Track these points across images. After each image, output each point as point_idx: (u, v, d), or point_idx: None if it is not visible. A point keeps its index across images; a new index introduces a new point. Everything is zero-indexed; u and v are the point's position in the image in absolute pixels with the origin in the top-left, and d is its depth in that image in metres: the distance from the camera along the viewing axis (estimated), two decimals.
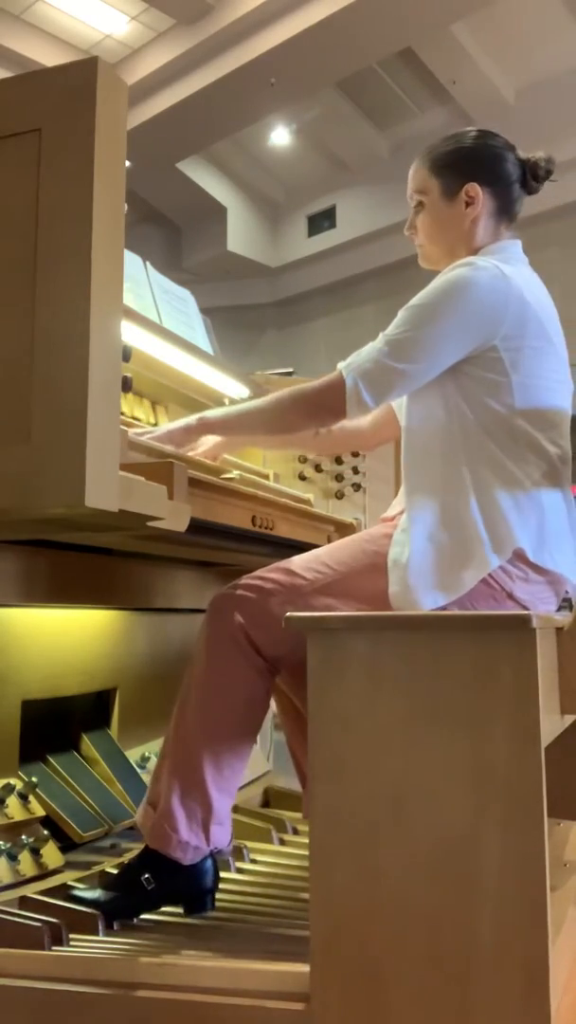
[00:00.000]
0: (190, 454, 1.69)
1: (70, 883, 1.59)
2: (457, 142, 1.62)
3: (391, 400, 1.55)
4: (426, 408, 1.52)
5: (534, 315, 1.48)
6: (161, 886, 1.48)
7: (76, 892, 1.55)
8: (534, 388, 1.48)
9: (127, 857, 1.74)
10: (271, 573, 1.49)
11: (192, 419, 1.64)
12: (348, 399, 1.48)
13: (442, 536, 1.45)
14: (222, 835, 1.48)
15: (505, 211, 1.62)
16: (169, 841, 1.45)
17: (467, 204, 1.59)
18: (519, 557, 1.43)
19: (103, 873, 1.66)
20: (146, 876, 1.48)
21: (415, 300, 1.50)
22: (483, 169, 1.59)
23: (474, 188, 1.58)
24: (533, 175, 1.63)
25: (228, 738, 1.46)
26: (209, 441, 1.74)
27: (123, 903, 1.51)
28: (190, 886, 1.49)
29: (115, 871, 1.63)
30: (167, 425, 1.65)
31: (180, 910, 1.54)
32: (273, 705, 1.83)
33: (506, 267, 1.50)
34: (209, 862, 1.51)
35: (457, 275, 1.48)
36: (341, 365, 1.51)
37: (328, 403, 1.50)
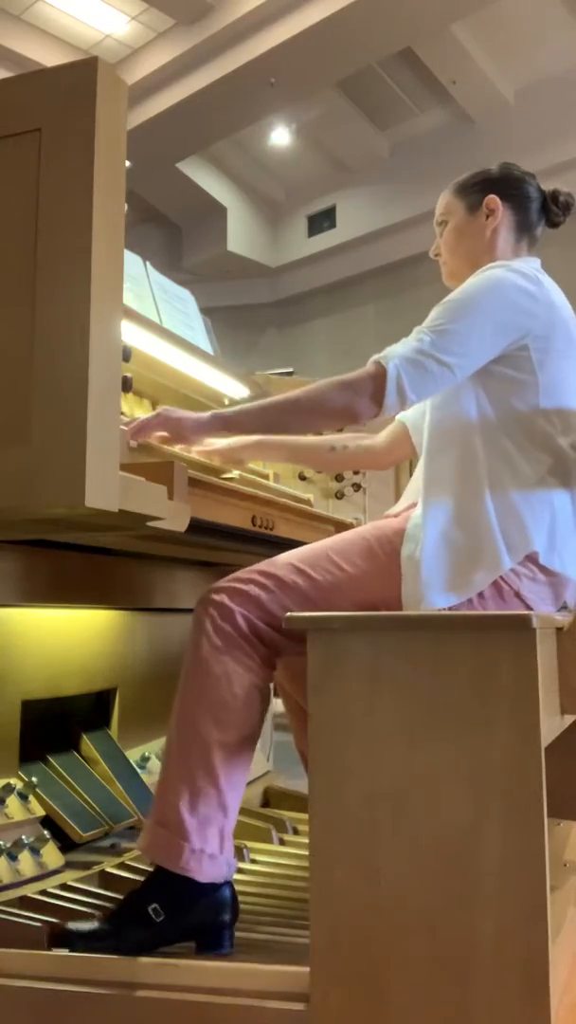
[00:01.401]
0: (199, 451, 1.68)
1: (69, 925, 1.37)
2: (480, 170, 1.70)
3: (429, 396, 1.51)
4: (451, 406, 1.52)
5: (561, 320, 1.52)
6: (172, 916, 1.32)
7: (71, 927, 1.35)
8: (558, 389, 1.50)
9: (127, 857, 1.74)
10: (271, 569, 1.45)
11: (205, 415, 1.55)
12: (389, 389, 1.42)
13: (457, 535, 1.45)
14: (232, 847, 1.38)
15: (525, 229, 1.67)
16: (180, 854, 1.31)
17: (487, 216, 1.65)
18: (530, 558, 1.44)
19: (103, 874, 1.66)
20: (154, 906, 1.32)
21: (452, 296, 1.50)
22: (503, 185, 1.67)
23: (494, 200, 1.64)
24: (553, 201, 1.69)
25: (236, 732, 1.38)
26: (224, 442, 1.72)
27: (126, 939, 1.32)
28: (207, 914, 1.33)
29: (110, 898, 1.51)
30: (176, 411, 1.56)
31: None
32: (275, 705, 1.83)
33: (539, 273, 1.55)
34: (227, 889, 1.36)
35: (493, 274, 1.51)
36: (378, 357, 1.45)
37: (367, 392, 1.43)
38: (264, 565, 1.47)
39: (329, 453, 1.86)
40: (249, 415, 1.54)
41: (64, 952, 1.35)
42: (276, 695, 1.89)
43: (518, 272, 1.51)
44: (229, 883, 1.37)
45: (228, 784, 1.35)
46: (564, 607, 1.52)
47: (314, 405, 1.48)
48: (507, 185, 1.66)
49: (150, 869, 1.38)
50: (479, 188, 1.67)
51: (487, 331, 1.45)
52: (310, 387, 1.50)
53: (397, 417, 1.88)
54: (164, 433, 1.55)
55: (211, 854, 1.33)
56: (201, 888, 1.33)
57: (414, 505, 1.54)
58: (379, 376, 1.43)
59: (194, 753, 1.36)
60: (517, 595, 1.44)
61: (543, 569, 1.45)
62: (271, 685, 1.48)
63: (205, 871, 1.33)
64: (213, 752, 1.35)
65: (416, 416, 1.76)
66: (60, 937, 1.34)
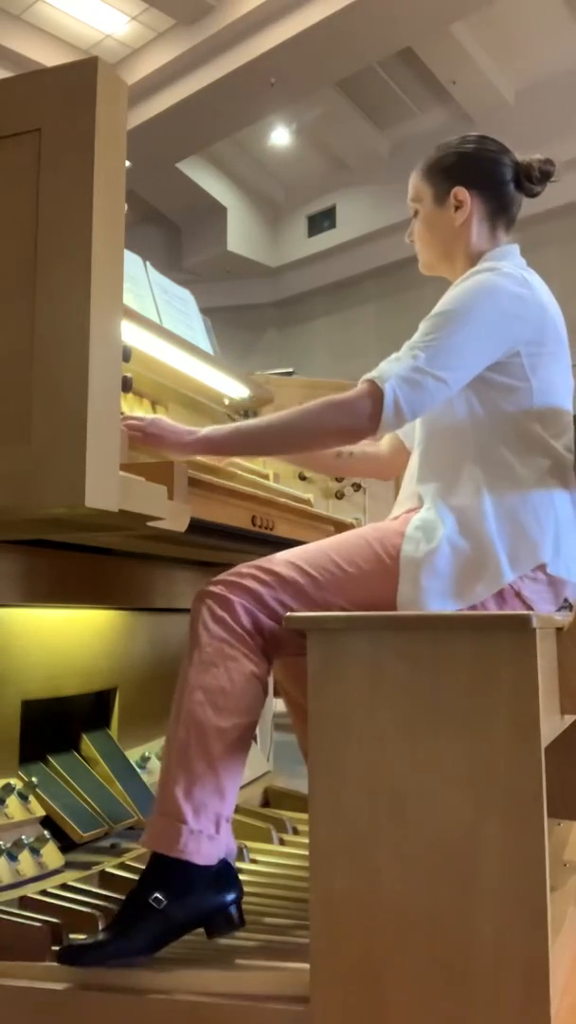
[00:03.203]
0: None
1: (72, 941, 1.36)
2: (448, 148, 1.63)
3: (425, 413, 1.48)
4: (444, 414, 1.51)
5: (551, 319, 1.50)
6: (175, 901, 1.29)
7: (75, 942, 1.31)
8: (550, 393, 1.49)
9: (127, 857, 1.74)
10: (271, 565, 1.44)
11: (191, 437, 1.48)
12: (386, 410, 1.39)
13: (458, 542, 1.43)
14: (230, 835, 1.36)
15: (500, 214, 1.62)
16: (177, 837, 1.29)
17: (456, 208, 1.59)
18: (538, 568, 1.43)
19: (103, 874, 1.66)
20: (155, 896, 1.29)
21: (440, 308, 1.47)
22: (472, 172, 1.59)
23: (462, 192, 1.59)
24: (527, 177, 1.62)
25: (233, 719, 1.36)
26: None
27: (134, 938, 1.28)
28: (208, 895, 1.31)
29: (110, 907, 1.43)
30: (168, 423, 1.53)
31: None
32: (275, 705, 1.83)
33: (526, 273, 1.52)
34: (228, 868, 1.35)
35: (482, 280, 1.48)
36: (371, 376, 1.43)
37: (364, 412, 1.41)
38: (262, 561, 1.45)
39: (335, 459, 1.86)
40: (238, 438, 1.49)
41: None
42: (277, 695, 1.89)
43: (508, 276, 1.48)
44: (228, 862, 1.35)
45: (225, 770, 1.34)
46: (564, 606, 1.52)
47: (309, 428, 1.45)
48: (475, 171, 1.59)
49: None
50: (445, 176, 1.60)
51: (481, 342, 1.44)
52: (302, 409, 1.46)
53: None
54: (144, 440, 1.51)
55: (209, 835, 1.31)
56: (200, 870, 1.31)
57: (411, 509, 1.54)
58: (376, 396, 1.41)
59: (192, 740, 1.35)
60: (518, 595, 1.43)
61: (546, 572, 1.45)
62: (269, 676, 1.46)
63: (204, 852, 1.31)
64: (210, 738, 1.34)
65: (408, 427, 1.76)
66: (66, 955, 1.28)
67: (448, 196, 1.59)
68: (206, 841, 1.31)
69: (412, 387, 1.41)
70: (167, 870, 1.31)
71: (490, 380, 1.48)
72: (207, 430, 1.51)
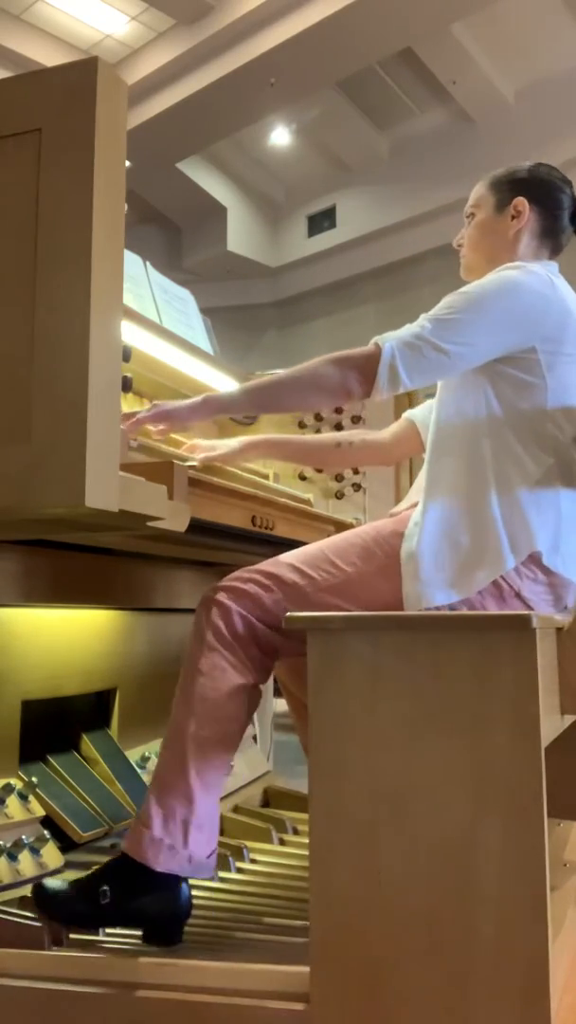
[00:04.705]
0: (203, 457, 1.69)
1: (44, 882, 1.44)
2: (518, 167, 1.69)
3: (425, 383, 1.50)
4: (459, 404, 1.53)
5: (574, 324, 1.51)
6: (117, 901, 1.35)
7: (44, 883, 1.42)
8: (566, 392, 1.50)
9: None
10: (271, 568, 1.47)
11: (197, 399, 1.55)
12: (381, 369, 1.42)
13: (460, 533, 1.45)
14: (203, 843, 1.37)
15: (549, 235, 1.65)
16: (140, 841, 1.35)
17: (514, 216, 1.63)
18: (532, 559, 1.44)
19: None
20: (104, 888, 1.36)
21: (465, 288, 1.50)
22: (536, 189, 1.65)
23: (522, 202, 1.63)
24: None
25: (213, 728, 1.38)
26: (230, 445, 1.73)
27: (68, 911, 1.38)
28: (155, 903, 1.35)
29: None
30: (167, 403, 1.57)
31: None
32: (275, 705, 1.83)
33: (555, 277, 1.54)
34: (185, 886, 1.38)
35: (508, 274, 1.51)
36: (377, 338, 1.46)
37: (360, 369, 1.43)
38: (265, 564, 1.48)
39: (335, 450, 1.87)
40: (243, 395, 1.54)
41: (64, 952, 1.35)
42: (278, 695, 1.89)
43: (533, 274, 1.51)
44: (186, 881, 1.38)
45: (198, 778, 1.37)
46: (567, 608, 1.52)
47: (307, 380, 1.49)
48: (539, 189, 1.64)
49: None
50: (511, 187, 1.65)
51: (492, 327, 1.45)
52: (302, 365, 1.50)
53: (404, 415, 1.89)
54: (162, 426, 1.56)
55: (171, 845, 1.35)
56: (155, 878, 1.35)
57: (415, 505, 1.55)
58: (374, 356, 1.43)
59: (170, 745, 1.39)
60: (517, 595, 1.44)
61: (544, 570, 1.45)
62: (266, 685, 1.48)
63: (162, 861, 1.34)
64: (187, 744, 1.38)
65: (425, 413, 1.76)
66: (35, 890, 1.41)
67: (509, 205, 1.64)
68: (166, 851, 1.34)
69: (412, 351, 1.43)
70: (124, 869, 1.36)
71: (505, 374, 1.49)
72: (207, 395, 1.56)
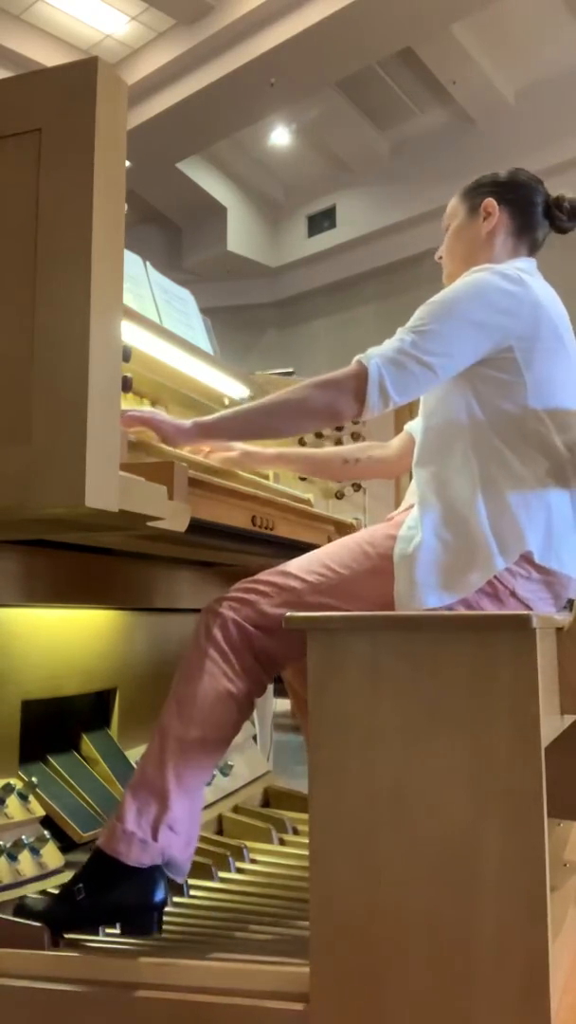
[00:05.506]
0: (217, 457, 1.70)
1: (26, 898, 1.45)
2: (488, 173, 1.71)
3: (413, 397, 1.51)
4: (442, 409, 1.53)
5: (548, 318, 1.52)
6: (91, 896, 1.36)
7: (27, 900, 1.43)
8: (547, 388, 1.50)
9: None
10: (269, 576, 1.49)
11: (186, 423, 1.54)
12: (371, 389, 1.43)
13: (450, 535, 1.46)
14: (176, 844, 1.37)
15: (525, 232, 1.66)
16: (113, 834, 1.36)
17: (484, 218, 1.65)
18: (525, 558, 1.44)
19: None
20: (79, 886, 1.37)
21: (434, 298, 1.51)
22: (503, 189, 1.67)
23: (491, 203, 1.65)
24: (557, 207, 1.68)
25: (196, 730, 1.39)
26: (246, 450, 1.75)
27: (50, 917, 1.38)
28: (129, 894, 1.34)
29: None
30: (161, 418, 1.56)
31: (176, 908, 1.51)
32: (275, 705, 1.83)
33: (524, 274, 1.54)
34: (157, 873, 1.37)
35: (474, 277, 1.52)
36: (360, 356, 1.46)
37: (349, 391, 1.44)
38: (264, 574, 1.51)
39: (343, 466, 1.89)
40: (230, 422, 1.54)
41: (64, 952, 1.35)
42: (278, 695, 1.89)
43: (499, 274, 1.51)
44: (160, 868, 1.37)
45: (175, 779, 1.37)
46: (568, 604, 1.52)
47: (296, 406, 1.49)
48: (508, 188, 1.67)
49: None
50: (480, 192, 1.68)
51: (468, 332, 1.46)
52: (289, 389, 1.50)
53: (406, 427, 1.91)
54: (141, 428, 1.55)
55: (142, 839, 1.35)
56: (125, 870, 1.35)
57: (411, 507, 1.55)
58: (361, 375, 1.44)
59: (154, 744, 1.41)
60: (512, 594, 1.44)
61: (538, 568, 1.45)
62: (254, 701, 1.49)
63: (134, 855, 1.35)
64: (168, 743, 1.39)
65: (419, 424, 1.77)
66: (15, 909, 1.40)
67: (479, 208, 1.66)
68: (137, 844, 1.35)
69: (397, 368, 1.44)
70: (98, 864, 1.37)
71: (485, 376, 1.49)
72: (196, 419, 1.55)
